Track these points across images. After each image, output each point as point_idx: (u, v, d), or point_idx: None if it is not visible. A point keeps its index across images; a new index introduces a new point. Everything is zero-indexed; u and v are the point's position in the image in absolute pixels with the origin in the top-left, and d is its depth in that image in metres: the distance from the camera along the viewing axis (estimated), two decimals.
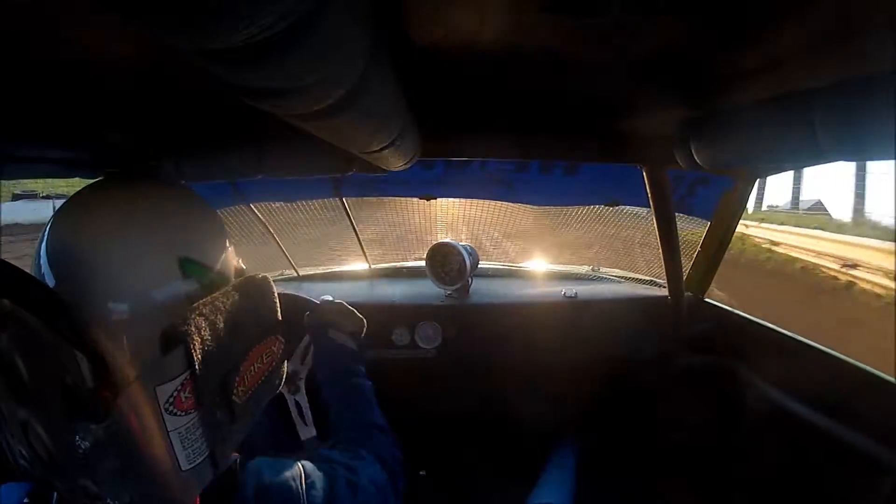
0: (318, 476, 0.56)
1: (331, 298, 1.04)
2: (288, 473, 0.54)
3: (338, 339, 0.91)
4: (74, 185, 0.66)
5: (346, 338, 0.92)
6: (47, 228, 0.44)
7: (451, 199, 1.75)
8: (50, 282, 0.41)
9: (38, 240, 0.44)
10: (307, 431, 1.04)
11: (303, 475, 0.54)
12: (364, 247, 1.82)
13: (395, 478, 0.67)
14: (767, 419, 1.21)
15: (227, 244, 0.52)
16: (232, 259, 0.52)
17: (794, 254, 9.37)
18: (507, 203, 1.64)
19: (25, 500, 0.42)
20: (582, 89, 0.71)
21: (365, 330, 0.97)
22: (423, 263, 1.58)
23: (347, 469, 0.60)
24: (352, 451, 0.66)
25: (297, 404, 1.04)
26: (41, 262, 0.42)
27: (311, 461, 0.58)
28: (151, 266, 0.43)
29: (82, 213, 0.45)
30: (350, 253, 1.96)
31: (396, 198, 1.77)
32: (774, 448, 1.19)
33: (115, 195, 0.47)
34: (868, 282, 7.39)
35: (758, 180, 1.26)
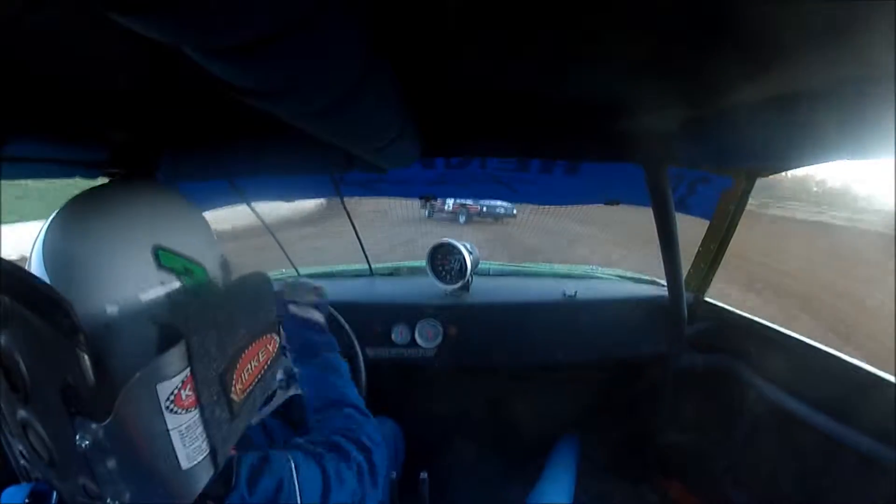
0: (309, 467, 0.57)
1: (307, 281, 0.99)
2: (279, 467, 0.54)
3: (302, 314, 0.87)
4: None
5: (310, 310, 0.88)
6: (42, 233, 0.45)
7: None
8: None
9: (33, 244, 0.44)
10: None
11: (294, 469, 0.55)
12: (364, 246, 1.82)
13: (371, 456, 0.67)
14: (767, 418, 1.21)
15: (214, 241, 0.53)
16: (217, 255, 0.52)
17: None
18: None
19: (26, 500, 0.42)
20: (582, 88, 0.71)
21: (326, 295, 0.93)
22: (423, 262, 1.58)
23: (332, 457, 0.61)
24: (325, 438, 0.65)
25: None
26: (37, 264, 0.43)
27: (297, 451, 0.59)
28: (144, 265, 0.44)
29: (76, 216, 0.46)
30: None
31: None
32: (774, 447, 1.19)
33: (107, 199, 0.48)
34: None
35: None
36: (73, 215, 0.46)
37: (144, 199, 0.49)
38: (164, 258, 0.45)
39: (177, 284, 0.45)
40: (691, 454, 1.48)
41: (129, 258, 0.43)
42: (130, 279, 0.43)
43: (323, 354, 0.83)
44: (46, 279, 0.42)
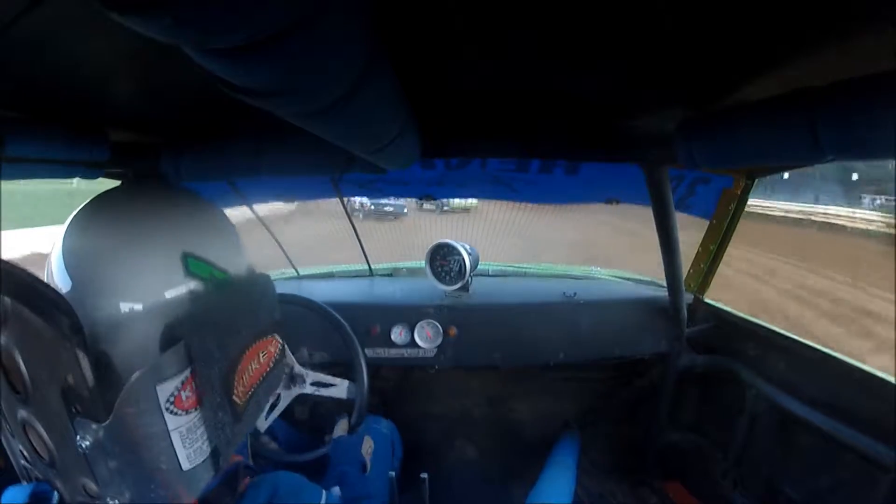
0: None
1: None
2: (308, 500, 0.54)
3: None
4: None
5: None
6: (63, 233, 0.45)
7: None
8: (65, 283, 0.42)
9: (54, 244, 0.45)
10: (340, 390, 1.09)
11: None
12: (364, 247, 1.82)
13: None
14: (767, 419, 1.21)
15: (236, 244, 0.52)
16: (240, 258, 0.52)
17: None
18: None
19: (27, 501, 0.42)
20: (582, 89, 0.71)
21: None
22: (423, 263, 1.59)
23: None
24: None
25: (317, 383, 1.08)
26: (57, 264, 0.43)
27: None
28: (158, 267, 0.44)
29: (95, 218, 0.46)
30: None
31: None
32: (774, 448, 1.19)
33: (126, 200, 0.48)
34: None
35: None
36: (93, 216, 0.46)
37: (167, 200, 0.50)
38: (192, 262, 0.45)
39: (194, 286, 0.45)
40: (691, 455, 1.48)
41: (148, 259, 0.44)
42: (148, 279, 0.43)
43: None
44: (67, 277, 0.42)
